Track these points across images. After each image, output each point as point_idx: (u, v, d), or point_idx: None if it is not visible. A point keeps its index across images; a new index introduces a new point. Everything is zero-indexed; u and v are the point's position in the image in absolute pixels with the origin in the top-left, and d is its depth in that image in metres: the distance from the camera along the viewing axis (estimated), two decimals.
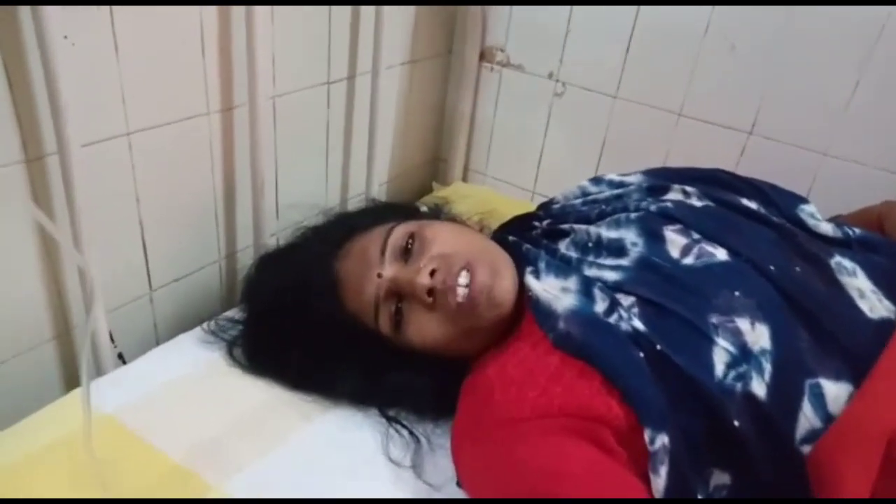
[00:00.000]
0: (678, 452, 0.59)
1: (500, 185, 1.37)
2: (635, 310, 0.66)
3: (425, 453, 0.74)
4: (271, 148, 0.99)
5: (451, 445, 0.70)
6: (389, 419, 0.78)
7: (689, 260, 0.69)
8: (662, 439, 0.59)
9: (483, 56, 1.28)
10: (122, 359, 0.91)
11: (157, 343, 0.92)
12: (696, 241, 0.71)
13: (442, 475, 0.71)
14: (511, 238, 0.83)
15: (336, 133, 1.12)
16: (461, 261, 0.70)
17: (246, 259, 0.99)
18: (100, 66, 0.75)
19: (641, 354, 0.63)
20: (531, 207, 0.95)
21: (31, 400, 0.75)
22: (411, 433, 0.76)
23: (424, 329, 0.72)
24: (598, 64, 1.16)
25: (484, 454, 0.64)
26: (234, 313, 0.91)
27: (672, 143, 1.14)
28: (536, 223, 0.86)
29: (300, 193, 1.07)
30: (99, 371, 0.84)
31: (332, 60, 1.04)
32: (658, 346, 0.62)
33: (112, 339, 0.88)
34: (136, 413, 0.75)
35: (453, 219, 0.91)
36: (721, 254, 0.69)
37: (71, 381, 0.87)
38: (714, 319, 0.63)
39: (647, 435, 0.59)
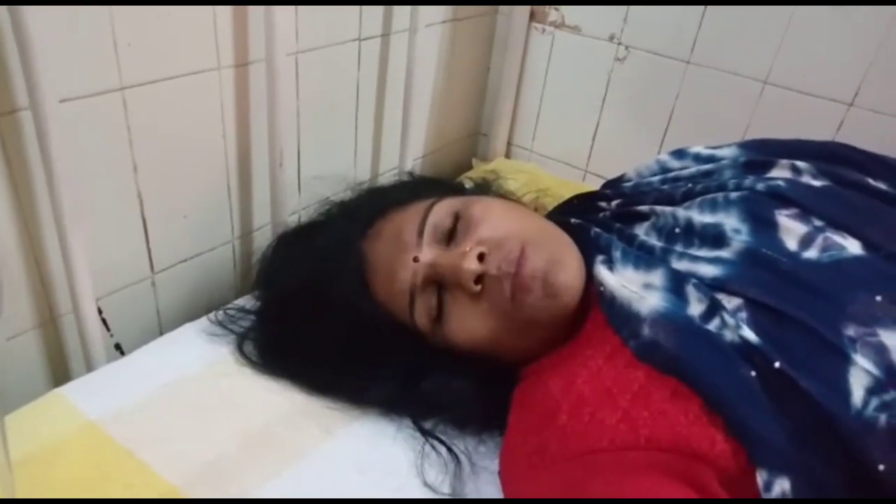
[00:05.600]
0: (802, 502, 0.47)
1: (547, 163, 1.26)
2: (743, 315, 0.54)
3: (466, 477, 0.64)
4: (292, 112, 0.88)
5: (501, 470, 0.61)
6: (425, 433, 0.67)
7: (811, 253, 0.56)
8: (782, 484, 0.48)
9: (534, 15, 1.16)
10: (119, 349, 0.82)
11: (161, 332, 0.82)
12: (819, 230, 0.57)
13: None
14: (573, 221, 0.70)
15: (367, 98, 1.00)
16: (517, 244, 0.60)
17: (263, 240, 0.89)
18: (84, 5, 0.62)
19: (753, 373, 0.51)
20: (583, 188, 0.82)
21: (10, 397, 0.65)
22: (450, 451, 0.65)
23: (469, 324, 0.62)
24: (669, 24, 1.03)
25: (547, 488, 0.53)
26: (246, 301, 0.81)
27: (754, 117, 1.00)
28: (603, 203, 0.74)
29: (325, 165, 0.97)
30: (89, 366, 0.73)
31: (365, 13, 0.92)
32: (776, 364, 0.50)
33: (108, 328, 0.79)
34: (127, 421, 0.63)
35: (503, 196, 0.80)
36: (853, 246, 0.56)
37: (58, 375, 0.77)
38: (850, 331, 0.50)
39: (761, 478, 0.48)
